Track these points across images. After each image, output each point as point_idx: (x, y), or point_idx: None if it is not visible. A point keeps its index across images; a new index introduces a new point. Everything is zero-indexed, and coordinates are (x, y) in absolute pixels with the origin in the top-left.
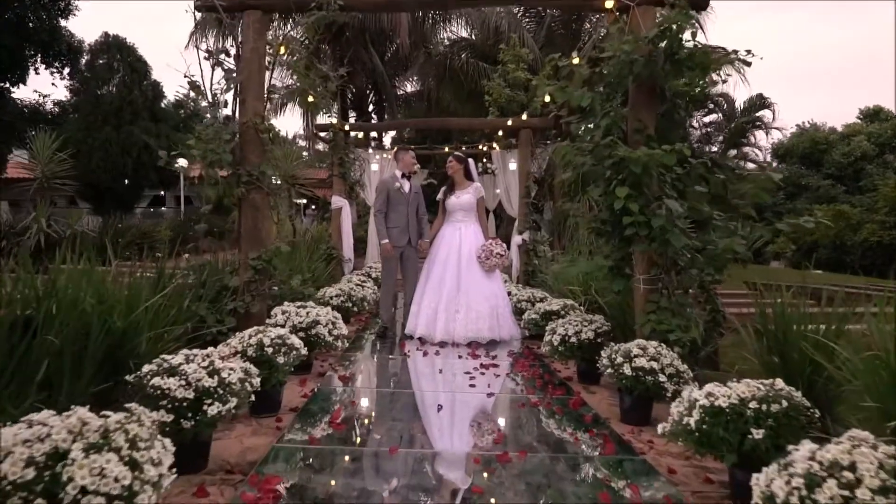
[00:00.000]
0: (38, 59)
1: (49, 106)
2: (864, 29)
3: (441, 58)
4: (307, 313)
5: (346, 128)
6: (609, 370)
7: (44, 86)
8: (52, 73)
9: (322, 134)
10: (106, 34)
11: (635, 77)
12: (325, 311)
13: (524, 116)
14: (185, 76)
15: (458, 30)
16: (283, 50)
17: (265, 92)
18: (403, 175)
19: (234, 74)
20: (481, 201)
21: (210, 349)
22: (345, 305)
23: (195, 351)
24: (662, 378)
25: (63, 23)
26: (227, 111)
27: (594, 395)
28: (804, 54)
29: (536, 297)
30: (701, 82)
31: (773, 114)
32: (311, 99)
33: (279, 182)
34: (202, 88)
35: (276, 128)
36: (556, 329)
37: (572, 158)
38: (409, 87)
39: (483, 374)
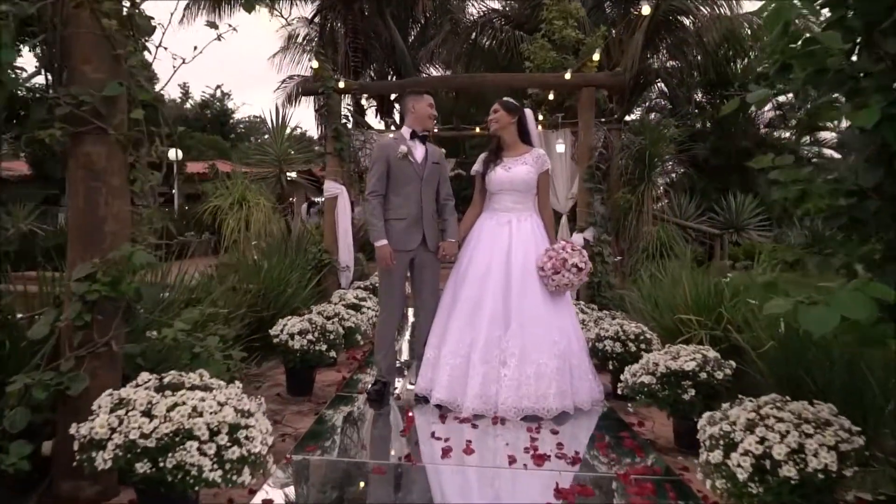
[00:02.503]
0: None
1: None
2: None
3: (469, 32)
4: (166, 413)
5: (342, 85)
6: None
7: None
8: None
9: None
10: None
11: None
12: (216, 401)
13: (595, 56)
14: None
15: (491, 2)
16: None
17: None
18: (414, 135)
19: None
20: (545, 178)
21: None
22: (315, 350)
23: None
24: None
25: None
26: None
27: None
28: None
29: (629, 332)
30: None
31: None
32: None
33: (140, 118)
34: None
35: (139, 10)
36: (732, 435)
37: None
38: (435, 73)
39: None
